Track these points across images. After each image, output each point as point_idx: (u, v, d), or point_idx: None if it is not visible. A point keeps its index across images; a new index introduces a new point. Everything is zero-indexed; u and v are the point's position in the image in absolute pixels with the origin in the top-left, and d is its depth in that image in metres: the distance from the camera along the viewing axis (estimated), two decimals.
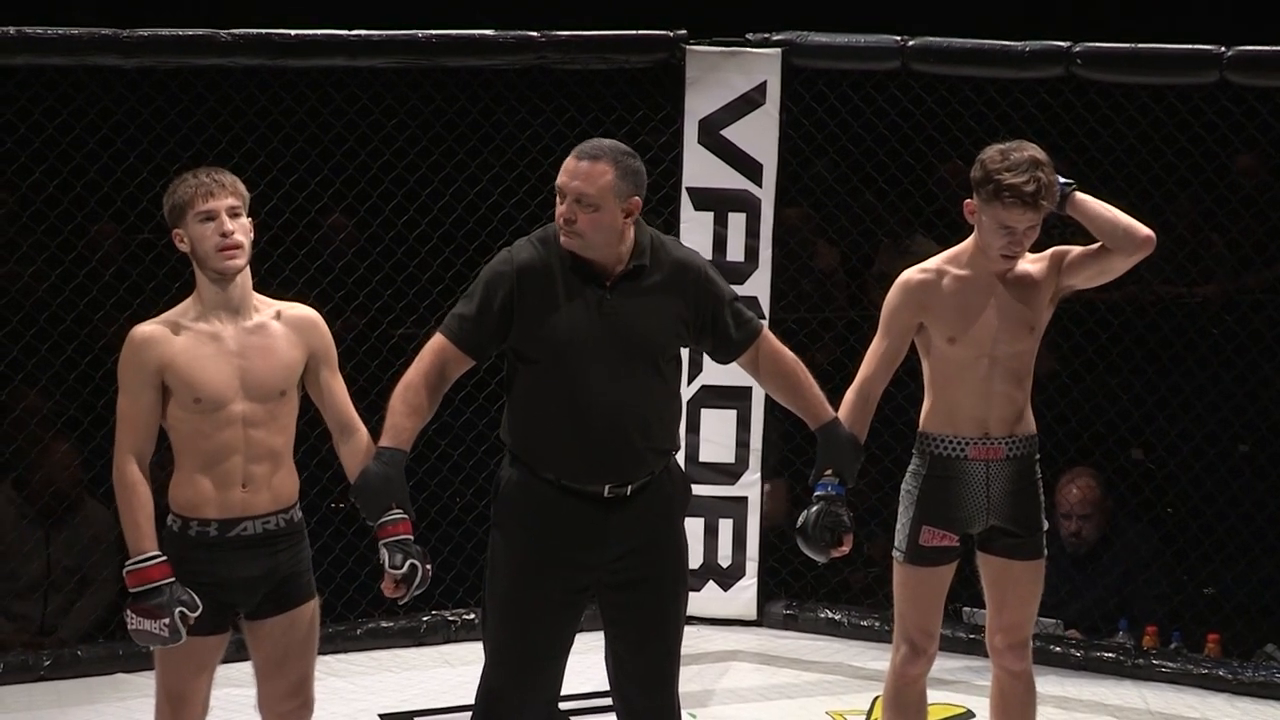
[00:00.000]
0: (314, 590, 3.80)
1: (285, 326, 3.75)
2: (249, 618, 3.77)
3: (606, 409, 3.77)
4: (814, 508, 3.96)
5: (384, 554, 3.75)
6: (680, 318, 3.86)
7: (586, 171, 3.77)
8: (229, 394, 3.66)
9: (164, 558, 3.64)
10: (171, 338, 3.66)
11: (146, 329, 3.68)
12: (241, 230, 3.70)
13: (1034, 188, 3.88)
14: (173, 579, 3.63)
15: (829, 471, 3.96)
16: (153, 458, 3.70)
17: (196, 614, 3.62)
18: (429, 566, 3.78)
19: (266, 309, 3.75)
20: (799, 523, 3.99)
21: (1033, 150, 3.93)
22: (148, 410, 3.66)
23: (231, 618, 3.75)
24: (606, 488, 3.82)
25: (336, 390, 3.81)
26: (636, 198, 3.81)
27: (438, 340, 3.83)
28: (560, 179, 3.80)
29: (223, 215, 3.67)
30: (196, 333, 3.68)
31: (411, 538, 3.78)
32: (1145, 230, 3.94)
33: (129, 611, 3.63)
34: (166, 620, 3.60)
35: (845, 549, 3.98)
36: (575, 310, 3.79)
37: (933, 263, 4.06)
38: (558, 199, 3.81)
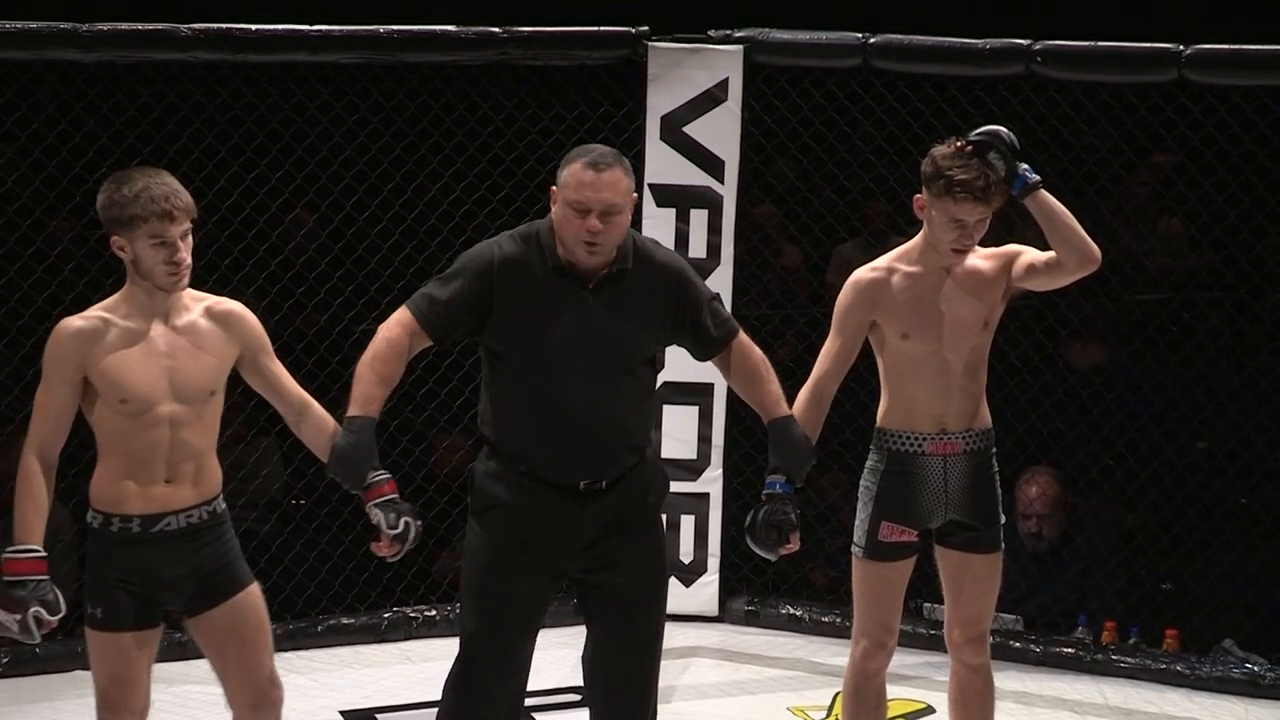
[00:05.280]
0: (250, 575, 3.75)
1: (213, 324, 3.68)
2: (188, 615, 3.71)
3: (581, 410, 3.79)
4: (761, 507, 3.96)
5: (377, 515, 3.72)
6: (659, 321, 3.88)
7: (610, 182, 3.75)
8: (157, 396, 3.59)
9: (40, 554, 3.55)
10: (100, 335, 3.57)
11: (75, 323, 3.59)
12: (188, 250, 3.60)
13: (984, 182, 3.90)
14: (42, 577, 3.54)
15: (778, 470, 3.95)
16: (66, 452, 3.63)
17: (57, 617, 3.54)
18: (420, 522, 3.77)
19: (195, 305, 3.67)
20: (747, 522, 3.99)
21: (972, 147, 3.94)
22: (63, 405, 3.58)
23: (161, 614, 3.68)
24: (581, 483, 3.85)
25: (281, 375, 3.77)
26: (635, 193, 3.85)
27: (404, 315, 3.82)
28: (581, 195, 3.73)
29: (177, 242, 3.58)
30: (125, 331, 3.59)
31: (398, 495, 3.77)
32: (1096, 251, 3.95)
33: None
34: (18, 616, 3.52)
35: (793, 546, 3.97)
36: (556, 312, 3.79)
37: (883, 261, 4.07)
38: (570, 214, 3.75)
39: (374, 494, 3.75)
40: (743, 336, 3.99)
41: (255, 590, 3.75)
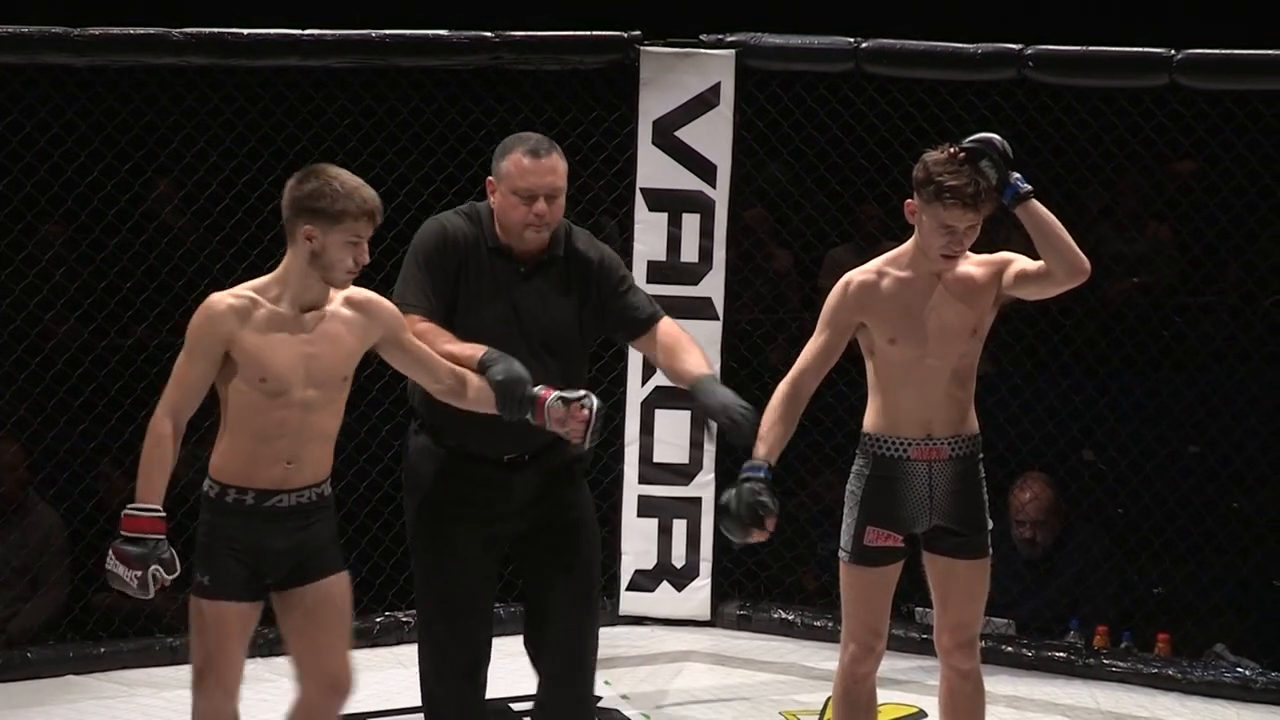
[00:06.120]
0: (342, 563, 3.83)
1: (354, 312, 3.78)
2: (277, 589, 3.79)
3: None
4: (739, 487, 3.93)
5: (559, 406, 3.83)
6: (583, 307, 4.07)
7: (550, 166, 3.99)
8: (294, 379, 3.69)
9: (160, 513, 3.64)
10: (248, 314, 3.68)
11: (226, 300, 3.69)
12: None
13: (974, 189, 3.89)
14: (162, 536, 3.63)
15: (760, 454, 3.95)
16: (189, 422, 3.73)
17: (173, 577, 3.63)
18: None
19: (336, 295, 3.78)
20: (722, 500, 3.98)
21: (963, 155, 3.92)
22: (199, 376, 3.69)
23: (263, 589, 3.78)
24: (505, 456, 4.05)
25: (425, 349, 3.86)
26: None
27: (413, 318, 3.92)
28: (527, 182, 3.96)
29: (365, 243, 3.72)
30: (271, 314, 3.70)
31: None
32: (1085, 262, 3.94)
33: (110, 551, 3.64)
34: (139, 573, 3.60)
35: (768, 531, 3.93)
36: (492, 291, 3.99)
37: (873, 264, 4.07)
38: (516, 201, 3.96)
39: (545, 396, 3.84)
40: (668, 321, 4.12)
41: (345, 578, 3.83)
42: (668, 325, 4.11)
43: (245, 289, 3.72)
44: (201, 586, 3.71)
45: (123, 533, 3.64)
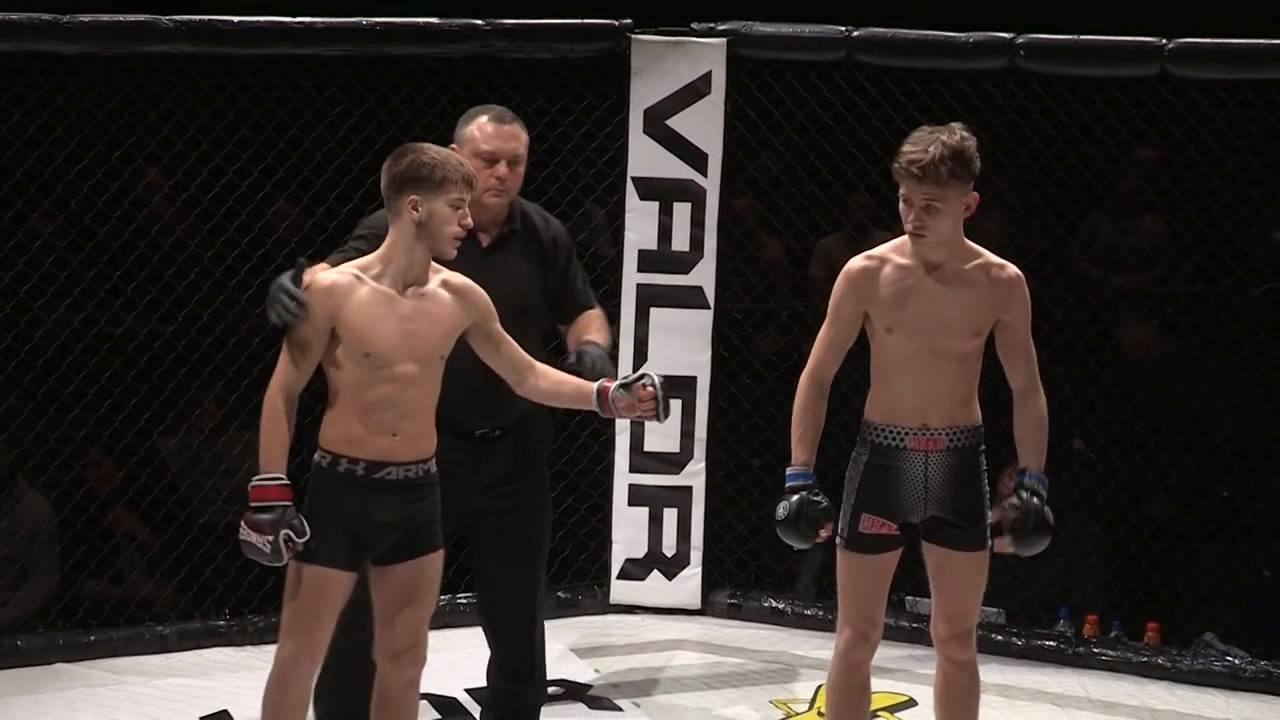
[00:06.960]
0: (441, 541, 3.93)
1: (450, 295, 3.89)
2: (377, 563, 3.87)
3: (478, 363, 4.01)
4: (795, 497, 3.99)
5: (624, 392, 3.94)
6: (542, 280, 4.28)
7: (513, 133, 4.25)
8: (397, 355, 3.80)
9: (287, 482, 3.75)
10: (352, 291, 3.80)
11: (331, 278, 3.82)
12: None
13: (918, 157, 3.85)
14: (289, 503, 3.74)
15: (801, 459, 4.01)
16: (303, 395, 3.84)
17: (303, 540, 3.73)
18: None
19: (434, 277, 3.88)
20: (780, 514, 4.01)
21: (946, 134, 3.89)
22: (311, 352, 3.79)
23: (363, 561, 3.86)
24: (477, 431, 4.24)
25: (507, 338, 3.98)
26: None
27: None
28: (488, 146, 4.19)
29: (467, 208, 3.81)
30: (374, 291, 3.81)
31: None
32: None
33: (242, 522, 3.74)
34: (271, 538, 3.70)
35: (827, 533, 4.04)
36: (460, 271, 4.03)
37: (878, 250, 4.04)
38: (479, 164, 4.13)
39: (607, 389, 3.96)
40: (594, 311, 4.35)
41: (441, 556, 3.94)
42: (592, 313, 4.31)
43: (349, 267, 3.85)
44: (308, 551, 3.80)
45: (251, 504, 3.75)
